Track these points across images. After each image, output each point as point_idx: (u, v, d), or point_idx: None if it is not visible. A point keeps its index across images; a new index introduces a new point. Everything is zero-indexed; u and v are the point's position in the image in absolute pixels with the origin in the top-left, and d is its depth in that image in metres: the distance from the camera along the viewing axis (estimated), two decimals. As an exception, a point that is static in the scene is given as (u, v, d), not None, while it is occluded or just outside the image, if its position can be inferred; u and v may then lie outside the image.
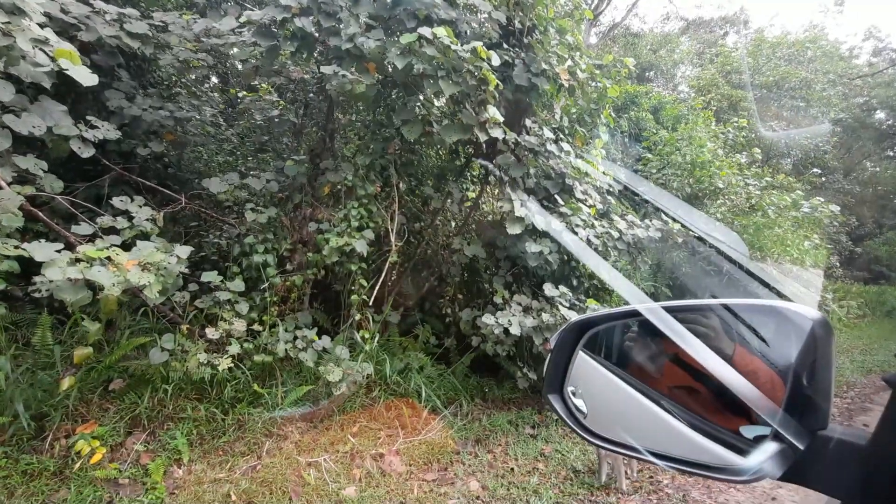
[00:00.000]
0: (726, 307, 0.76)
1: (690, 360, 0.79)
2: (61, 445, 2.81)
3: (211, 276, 3.58)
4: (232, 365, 3.19)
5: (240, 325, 3.32)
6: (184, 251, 2.83)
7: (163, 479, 2.93)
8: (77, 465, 2.72)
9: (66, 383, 2.65)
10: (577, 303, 4.60)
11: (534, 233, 4.28)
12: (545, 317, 4.04)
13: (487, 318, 4.06)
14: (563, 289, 4.33)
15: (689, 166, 7.31)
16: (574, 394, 0.88)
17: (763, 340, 0.73)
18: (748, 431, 0.72)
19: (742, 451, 0.67)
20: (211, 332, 3.17)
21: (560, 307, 4.04)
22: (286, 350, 3.70)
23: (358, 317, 3.92)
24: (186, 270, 3.04)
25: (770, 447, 0.63)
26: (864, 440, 0.56)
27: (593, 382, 0.88)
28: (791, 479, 0.61)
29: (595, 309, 4.44)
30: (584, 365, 0.89)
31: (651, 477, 3.55)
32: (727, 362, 0.76)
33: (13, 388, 2.78)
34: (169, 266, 2.78)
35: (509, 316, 4.12)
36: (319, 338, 3.89)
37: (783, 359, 0.66)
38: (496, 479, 3.44)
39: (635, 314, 0.88)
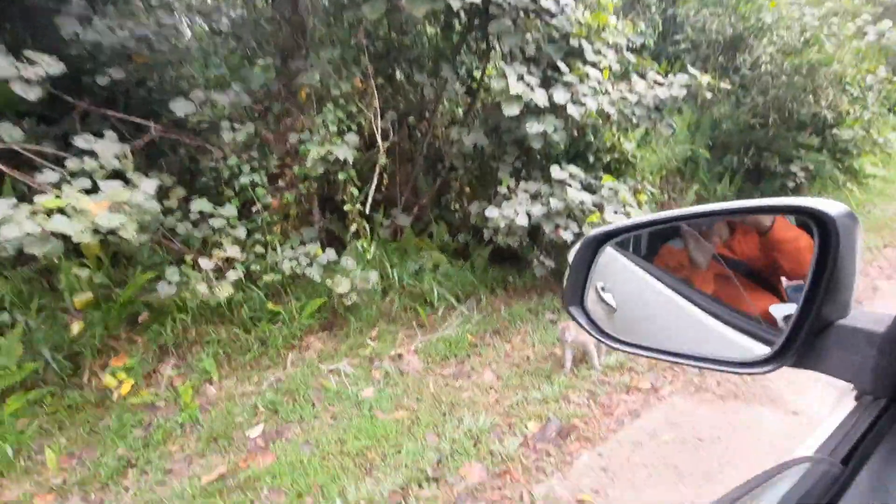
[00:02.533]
0: (749, 210, 0.75)
1: (722, 248, 0.83)
2: (98, 380, 3.05)
3: (201, 205, 3.50)
4: (232, 291, 3.22)
5: (234, 252, 3.30)
6: (150, 185, 2.72)
7: (195, 398, 3.18)
8: (115, 395, 2.96)
9: (75, 328, 2.79)
10: (593, 182, 4.24)
11: (536, 111, 3.81)
12: (554, 202, 3.76)
13: (491, 211, 3.84)
14: (573, 169, 3.96)
15: (733, 0, 6.15)
16: (603, 289, 0.89)
17: None
18: (777, 310, 0.74)
19: (765, 341, 0.70)
20: (205, 263, 3.17)
21: (569, 190, 3.72)
22: (291, 268, 3.70)
23: (354, 227, 3.80)
24: (167, 205, 2.96)
25: (783, 336, 0.63)
26: (884, 326, 0.56)
27: (621, 280, 0.89)
28: (808, 365, 0.63)
29: (612, 187, 4.08)
30: (613, 263, 0.88)
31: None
32: (765, 234, 0.81)
33: (38, 335, 2.96)
34: (142, 203, 2.69)
35: (515, 206, 3.86)
36: (324, 251, 3.85)
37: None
38: (511, 368, 3.50)
39: (657, 223, 0.86)
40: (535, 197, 4.00)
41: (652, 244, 0.97)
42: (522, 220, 3.76)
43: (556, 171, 3.86)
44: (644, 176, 5.02)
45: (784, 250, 0.81)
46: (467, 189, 4.62)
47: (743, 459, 2.26)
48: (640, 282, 0.92)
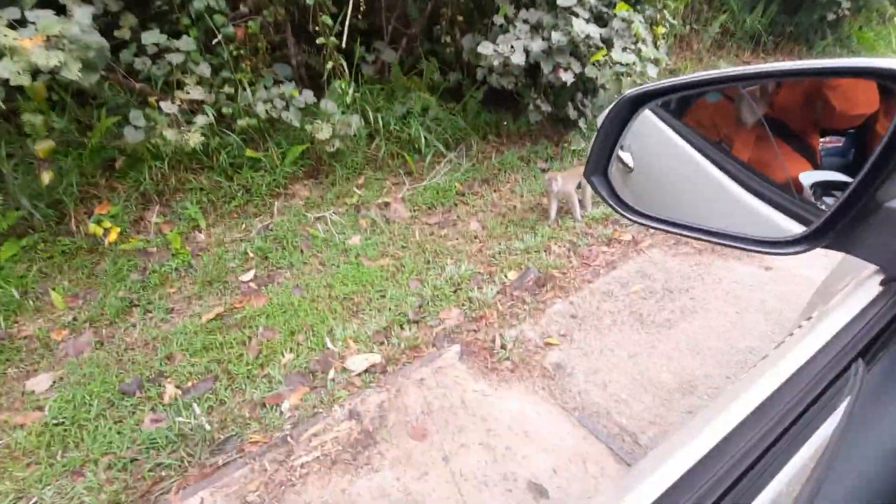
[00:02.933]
0: (819, 72, 0.65)
1: (758, 101, 0.73)
2: (86, 227, 3.07)
3: (153, 37, 3.09)
4: (201, 137, 3.04)
5: (198, 93, 3.02)
6: (84, 13, 2.34)
7: (185, 245, 3.25)
8: (106, 242, 3.02)
9: (45, 177, 2.69)
10: (605, 10, 3.69)
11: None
12: (556, 36, 3.32)
13: (484, 47, 3.42)
14: (581, -6, 3.40)
15: None
16: (621, 147, 0.82)
17: None
18: (808, 178, 0.69)
19: (798, 218, 0.65)
20: (167, 106, 2.92)
21: (574, 21, 3.24)
22: (266, 111, 3.45)
23: (330, 64, 3.42)
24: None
25: (825, 216, 0.58)
26: None
27: (650, 144, 0.83)
28: (842, 247, 0.59)
29: (625, 18, 3.56)
30: (645, 124, 0.81)
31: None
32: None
33: (13, 183, 2.89)
34: (80, 36, 2.36)
35: (512, 40, 3.42)
36: (301, 92, 3.54)
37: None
38: (496, 218, 3.52)
39: (706, 83, 0.77)
40: (535, 29, 3.52)
41: (684, 98, 0.86)
42: (519, 58, 3.37)
43: (560, -3, 3.32)
44: (665, 4, 4.35)
45: (838, 86, 0.70)
46: (460, 18, 4.04)
47: (706, 309, 2.40)
48: (666, 142, 0.82)
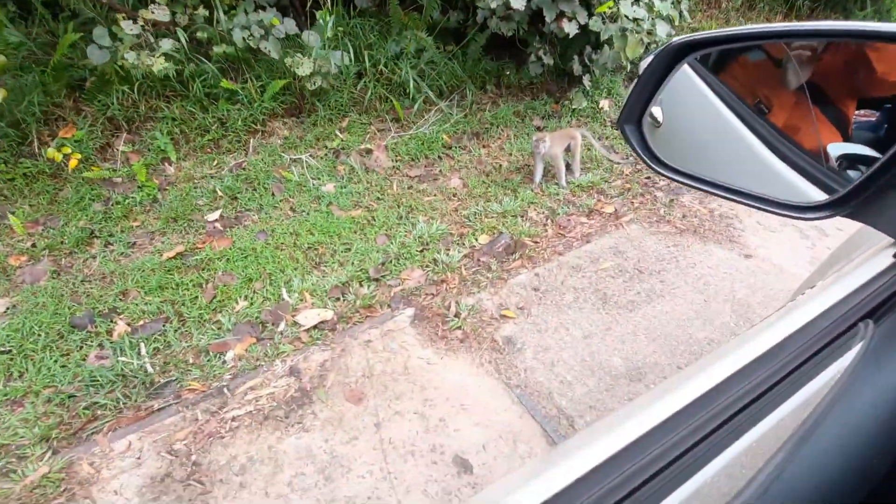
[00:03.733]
0: (870, 34, 0.63)
1: (801, 64, 0.71)
2: (49, 150, 2.94)
3: (119, -55, 2.82)
4: (165, 63, 2.84)
5: (161, 14, 2.79)
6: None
7: (153, 178, 3.14)
8: (71, 166, 2.91)
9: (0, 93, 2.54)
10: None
11: None
12: (559, -20, 3.01)
13: (482, -11, 3.12)
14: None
15: None
16: (653, 103, 0.82)
17: None
18: (836, 149, 0.69)
19: (822, 185, 0.66)
20: (128, 26, 2.70)
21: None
22: (244, 39, 3.21)
23: None
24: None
25: (851, 185, 0.59)
26: None
27: (683, 98, 0.81)
28: (862, 218, 0.60)
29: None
30: (681, 78, 0.79)
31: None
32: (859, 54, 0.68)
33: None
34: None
35: (514, -18, 3.11)
36: (281, 22, 3.28)
37: None
38: (479, 176, 3.37)
39: (758, 37, 0.77)
40: (542, -30, 3.20)
41: (725, 53, 0.83)
42: (520, 2, 3.08)
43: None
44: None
45: (883, 48, 0.67)
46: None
47: (673, 294, 2.31)
48: (700, 98, 0.80)
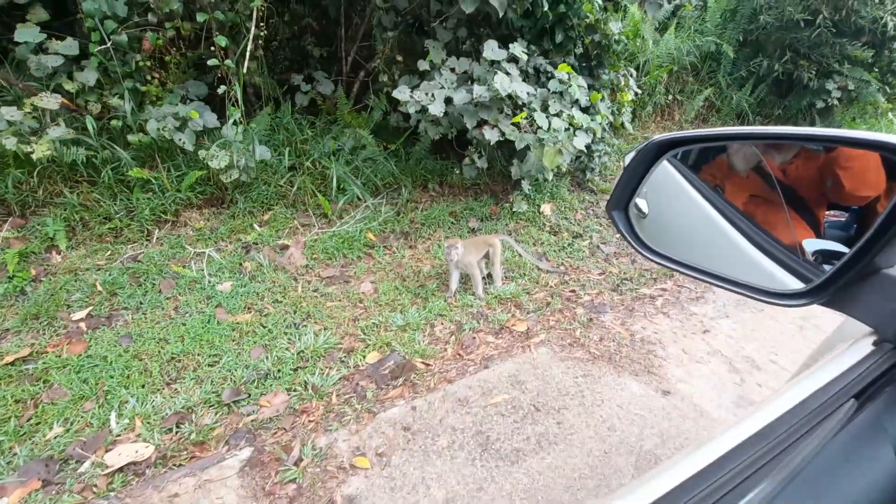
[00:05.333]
0: (831, 139, 0.72)
1: (777, 171, 0.79)
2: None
3: (30, 35, 2.80)
4: (48, 151, 2.69)
5: (51, 102, 2.69)
6: None
7: (31, 268, 2.86)
8: (-74, 254, 2.64)
9: None
10: (546, 69, 3.37)
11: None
12: (477, 90, 2.98)
13: (400, 92, 3.09)
14: (518, 49, 3.08)
15: None
16: (639, 194, 0.87)
17: None
18: (811, 245, 0.76)
19: (799, 275, 0.72)
20: (8, 112, 2.59)
21: (497, 76, 2.91)
22: (158, 130, 3.11)
23: (222, 89, 3.10)
24: None
25: (825, 275, 0.65)
26: None
27: (666, 192, 0.87)
28: (838, 306, 0.65)
29: (563, 80, 3.23)
30: (663, 173, 0.86)
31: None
32: (832, 150, 0.75)
33: None
34: None
35: (434, 88, 3.09)
36: (200, 115, 3.22)
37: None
38: (394, 281, 3.11)
39: (730, 138, 0.87)
40: (469, 79, 3.20)
41: (704, 153, 0.92)
42: (438, 108, 3.03)
43: (489, 49, 3.00)
44: (629, 71, 4.04)
45: (850, 168, 0.73)
46: (399, 58, 3.74)
47: (569, 441, 1.94)
48: (681, 192, 0.87)
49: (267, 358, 2.39)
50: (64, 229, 3.07)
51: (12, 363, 2.33)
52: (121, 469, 1.77)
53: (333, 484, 1.71)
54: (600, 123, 3.91)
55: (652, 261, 0.87)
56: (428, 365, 2.36)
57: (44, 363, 2.32)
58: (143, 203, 3.26)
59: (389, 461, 1.82)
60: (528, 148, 3.08)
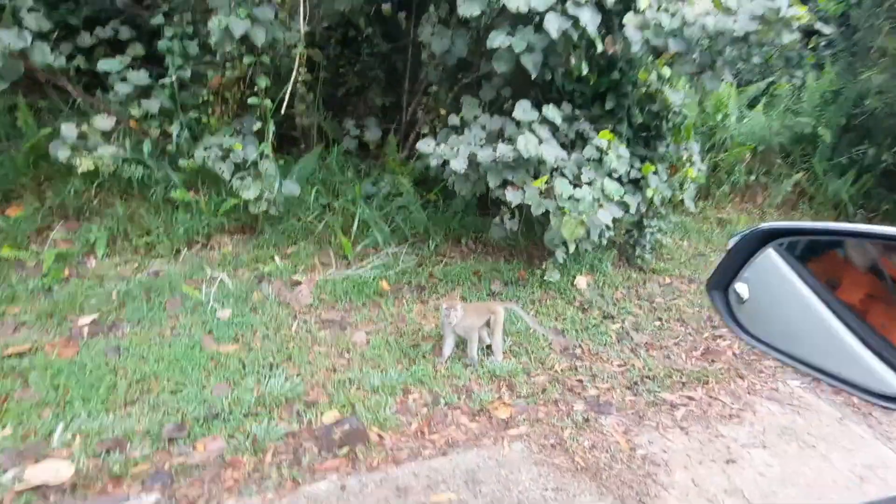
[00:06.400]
0: None
1: (892, 268, 0.79)
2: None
3: (110, 65, 3.17)
4: (93, 166, 2.95)
5: (105, 123, 2.97)
6: None
7: (66, 269, 3.10)
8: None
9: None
10: (584, 133, 3.16)
11: (515, 17, 2.74)
12: (502, 149, 2.83)
13: (424, 144, 3.03)
14: (551, 111, 2.92)
15: None
16: (738, 278, 0.88)
17: None
18: None
19: None
20: (66, 129, 2.89)
21: (522, 137, 2.74)
22: (204, 158, 3.33)
23: (257, 126, 3.25)
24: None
25: None
26: None
27: (769, 280, 0.86)
28: None
29: (600, 147, 2.99)
30: (768, 262, 0.85)
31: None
32: None
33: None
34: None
35: (461, 144, 3.00)
36: (243, 147, 3.39)
37: None
38: (389, 336, 2.94)
39: (846, 234, 0.88)
40: (497, 136, 3.07)
41: (813, 246, 0.90)
42: (460, 164, 2.92)
43: (520, 109, 2.86)
44: (688, 145, 3.69)
45: None
46: (443, 112, 3.74)
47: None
48: (787, 284, 0.84)
49: (227, 397, 2.30)
50: (106, 237, 3.31)
51: (10, 356, 2.47)
52: (33, 488, 1.73)
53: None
54: (650, 198, 3.57)
55: (749, 344, 0.87)
56: (382, 438, 2.12)
57: (31, 362, 2.42)
58: (180, 223, 3.46)
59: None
60: (543, 216, 2.84)
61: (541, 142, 2.82)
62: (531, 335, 3.04)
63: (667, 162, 3.80)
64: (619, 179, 3.38)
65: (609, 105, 3.40)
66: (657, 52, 2.89)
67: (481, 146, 2.95)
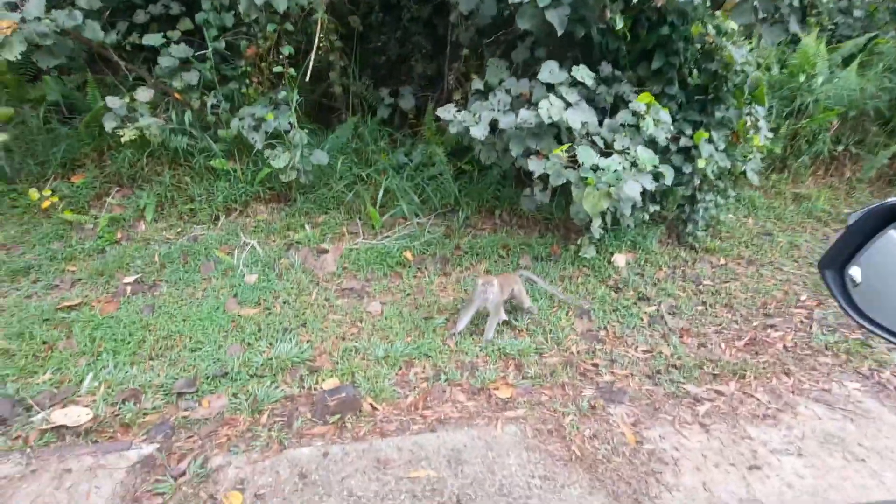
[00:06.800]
0: None
1: None
2: (30, 191, 3.33)
3: (154, 39, 3.31)
4: (133, 136, 3.11)
5: (145, 95, 3.11)
6: (36, 4, 2.55)
7: (118, 231, 3.37)
8: (43, 207, 3.28)
9: (1, 136, 3.03)
10: (625, 96, 2.88)
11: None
12: (524, 114, 2.63)
13: (444, 111, 2.89)
14: (581, 71, 2.66)
15: None
16: (856, 257, 0.83)
17: None
18: None
19: None
20: (112, 102, 3.06)
21: (545, 101, 2.52)
22: (238, 128, 3.43)
23: (282, 94, 3.26)
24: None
25: None
26: None
27: (892, 261, 0.80)
28: None
29: (637, 111, 2.69)
30: (891, 244, 0.78)
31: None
32: None
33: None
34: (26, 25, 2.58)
35: (485, 109, 2.83)
36: (275, 118, 3.44)
37: None
38: (406, 307, 2.92)
39: None
40: (528, 103, 2.86)
41: None
42: (480, 131, 2.77)
43: (546, 71, 2.63)
44: (753, 109, 3.23)
45: None
46: (474, 75, 3.54)
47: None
48: None
49: (238, 357, 2.40)
50: (154, 203, 3.55)
51: (62, 308, 2.74)
52: (54, 428, 1.91)
53: (195, 511, 1.60)
54: (702, 169, 3.20)
55: (864, 327, 0.81)
56: (375, 409, 2.11)
57: (77, 315, 2.67)
58: (219, 190, 3.62)
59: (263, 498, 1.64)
60: (563, 187, 2.62)
61: (568, 106, 2.58)
62: (553, 313, 2.88)
63: (726, 129, 3.37)
64: (665, 148, 3.06)
65: (656, 64, 3.04)
66: (715, 1, 2.50)
67: (505, 112, 2.76)
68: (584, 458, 1.90)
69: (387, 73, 4.51)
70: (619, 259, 3.51)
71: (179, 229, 3.49)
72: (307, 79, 3.31)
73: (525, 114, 2.61)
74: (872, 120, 4.45)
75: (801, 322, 2.95)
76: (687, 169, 3.26)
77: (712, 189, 3.63)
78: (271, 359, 2.40)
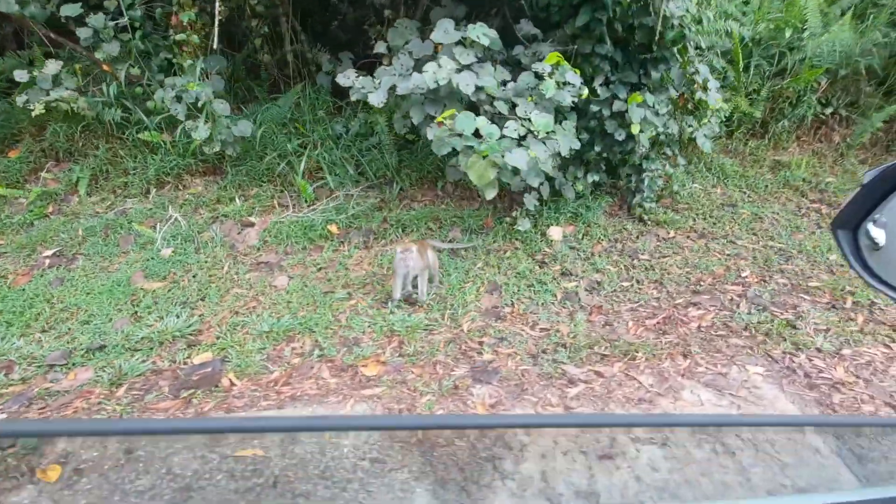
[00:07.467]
0: None
1: None
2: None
3: (71, 10, 3.26)
4: (43, 111, 3.09)
5: (52, 67, 3.08)
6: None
7: (50, 206, 3.43)
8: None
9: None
10: (540, 56, 2.67)
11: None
12: (416, 78, 2.46)
13: (344, 77, 2.74)
14: (477, 30, 2.45)
15: None
16: (875, 222, 0.78)
17: None
18: None
19: None
20: (19, 75, 3.05)
21: (443, 59, 2.34)
22: (162, 99, 3.38)
23: (188, 61, 3.16)
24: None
25: None
26: None
27: None
28: None
29: (541, 71, 2.47)
30: None
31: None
32: None
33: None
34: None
35: (388, 74, 2.66)
36: (196, 87, 3.37)
37: None
38: (317, 282, 2.87)
39: None
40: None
41: None
42: (378, 97, 2.62)
43: (441, 30, 2.44)
44: (696, 67, 2.93)
45: None
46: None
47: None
48: None
49: (122, 331, 2.41)
50: (88, 177, 3.58)
51: (-20, 282, 2.82)
52: (-85, 399, 1.98)
53: (9, 485, 1.62)
54: (637, 135, 2.96)
55: (882, 291, 0.77)
56: (233, 385, 2.09)
57: (-4, 290, 2.74)
58: (150, 164, 3.61)
59: (79, 481, 1.65)
60: (450, 154, 2.45)
61: (462, 69, 2.39)
62: (464, 287, 2.77)
63: (667, 91, 3.09)
64: (597, 113, 2.85)
65: (581, 20, 2.77)
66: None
67: (405, 77, 2.60)
68: (423, 442, 1.82)
69: (349, 39, 4.34)
70: (555, 232, 3.33)
71: (110, 203, 3.51)
72: (215, 46, 3.19)
73: (417, 77, 2.44)
74: (866, 79, 4.00)
75: (731, 300, 2.73)
76: (620, 136, 3.02)
77: (660, 157, 3.37)
78: (154, 332, 2.41)
